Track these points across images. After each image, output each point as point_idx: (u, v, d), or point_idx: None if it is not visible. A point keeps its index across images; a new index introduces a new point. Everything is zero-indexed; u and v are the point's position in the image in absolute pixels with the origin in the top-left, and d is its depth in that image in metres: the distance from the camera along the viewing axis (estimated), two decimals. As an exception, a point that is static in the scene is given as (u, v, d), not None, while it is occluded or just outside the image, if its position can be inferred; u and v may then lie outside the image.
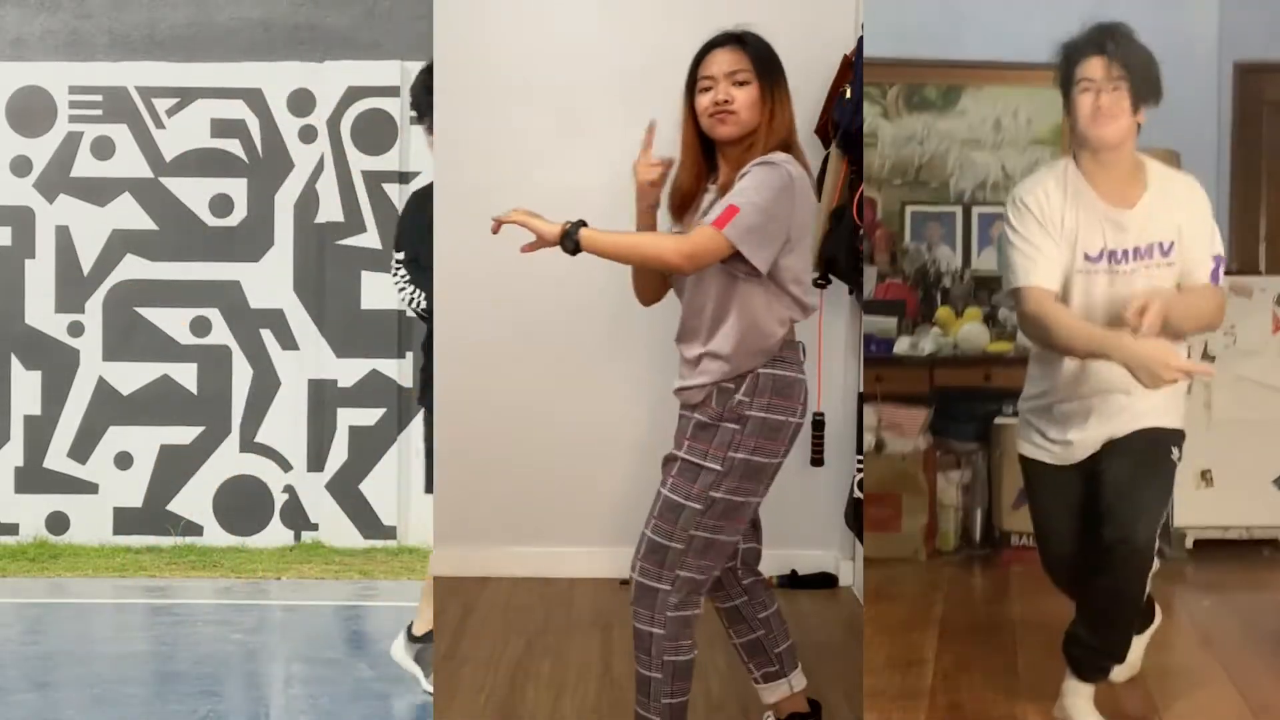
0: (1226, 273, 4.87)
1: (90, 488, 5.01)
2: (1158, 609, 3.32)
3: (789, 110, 2.73)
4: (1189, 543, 4.65)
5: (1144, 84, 2.86)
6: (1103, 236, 2.84)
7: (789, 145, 2.69)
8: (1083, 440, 2.91)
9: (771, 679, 2.96)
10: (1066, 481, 2.94)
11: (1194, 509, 4.63)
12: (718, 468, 2.62)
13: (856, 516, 4.27)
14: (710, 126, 2.67)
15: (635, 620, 2.66)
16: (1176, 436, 2.91)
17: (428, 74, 3.33)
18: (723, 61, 2.66)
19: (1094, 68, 2.86)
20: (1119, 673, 3.17)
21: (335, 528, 5.05)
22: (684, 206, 2.77)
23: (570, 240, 2.60)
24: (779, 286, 2.65)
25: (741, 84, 2.65)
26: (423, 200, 3.47)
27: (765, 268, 2.58)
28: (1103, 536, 2.75)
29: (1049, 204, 2.85)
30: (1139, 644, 3.28)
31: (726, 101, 2.63)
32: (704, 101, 2.66)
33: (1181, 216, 2.87)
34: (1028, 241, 2.84)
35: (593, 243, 2.61)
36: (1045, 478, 2.99)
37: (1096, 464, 2.88)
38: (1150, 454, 2.86)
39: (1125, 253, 2.85)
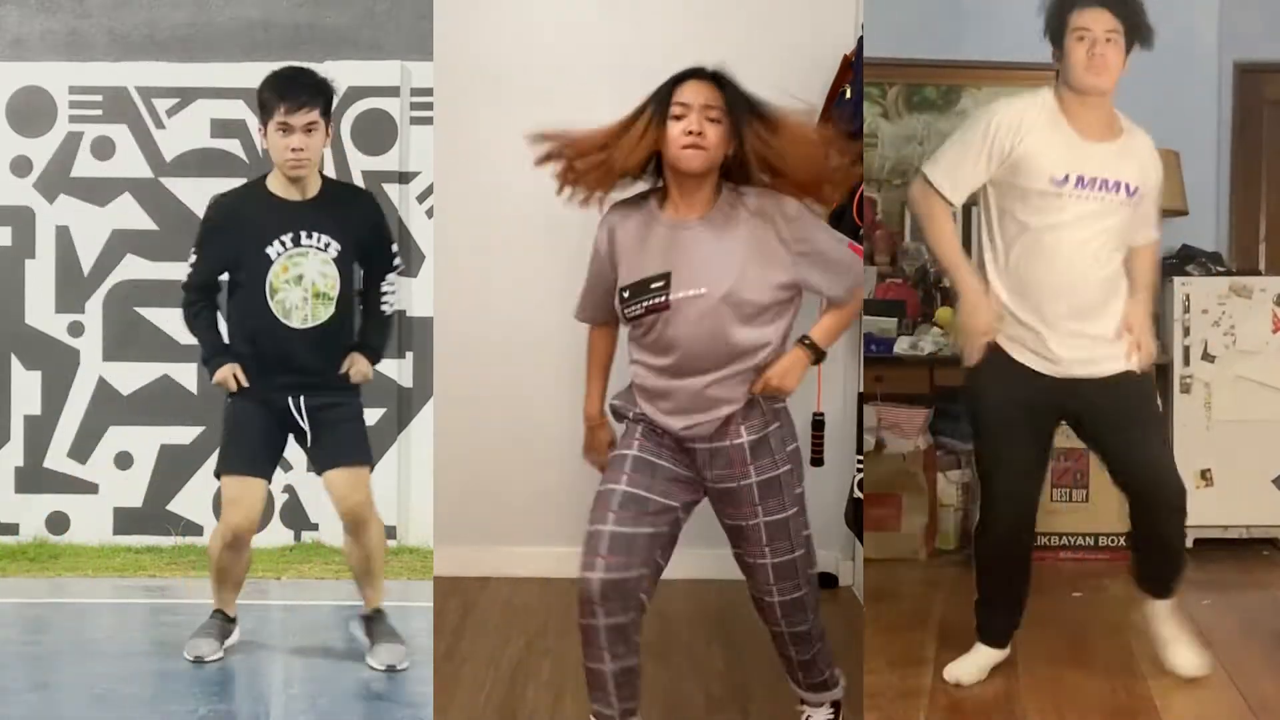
0: (1227, 272, 4.91)
1: (90, 488, 5.01)
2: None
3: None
4: (1189, 542, 4.64)
5: (1136, 33, 2.99)
6: (1070, 164, 2.97)
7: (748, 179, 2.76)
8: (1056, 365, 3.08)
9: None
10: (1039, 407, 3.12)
11: (1194, 509, 4.59)
12: (788, 465, 2.87)
13: (856, 516, 4.27)
14: (679, 157, 2.68)
15: (806, 635, 2.95)
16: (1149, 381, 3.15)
17: (275, 76, 3.34)
18: (697, 92, 2.70)
19: (1092, 19, 2.98)
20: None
21: (335, 528, 4.99)
22: (601, 184, 2.75)
23: (814, 352, 2.90)
24: None
25: (713, 120, 2.68)
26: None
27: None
28: (1141, 497, 3.12)
29: (1010, 127, 2.98)
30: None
31: (700, 134, 2.66)
32: (676, 129, 2.68)
33: (1148, 167, 3.05)
34: (964, 148, 3.02)
35: (828, 336, 2.93)
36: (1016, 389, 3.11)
37: (1073, 404, 3.09)
38: (1149, 399, 3.13)
39: (1092, 180, 2.98)
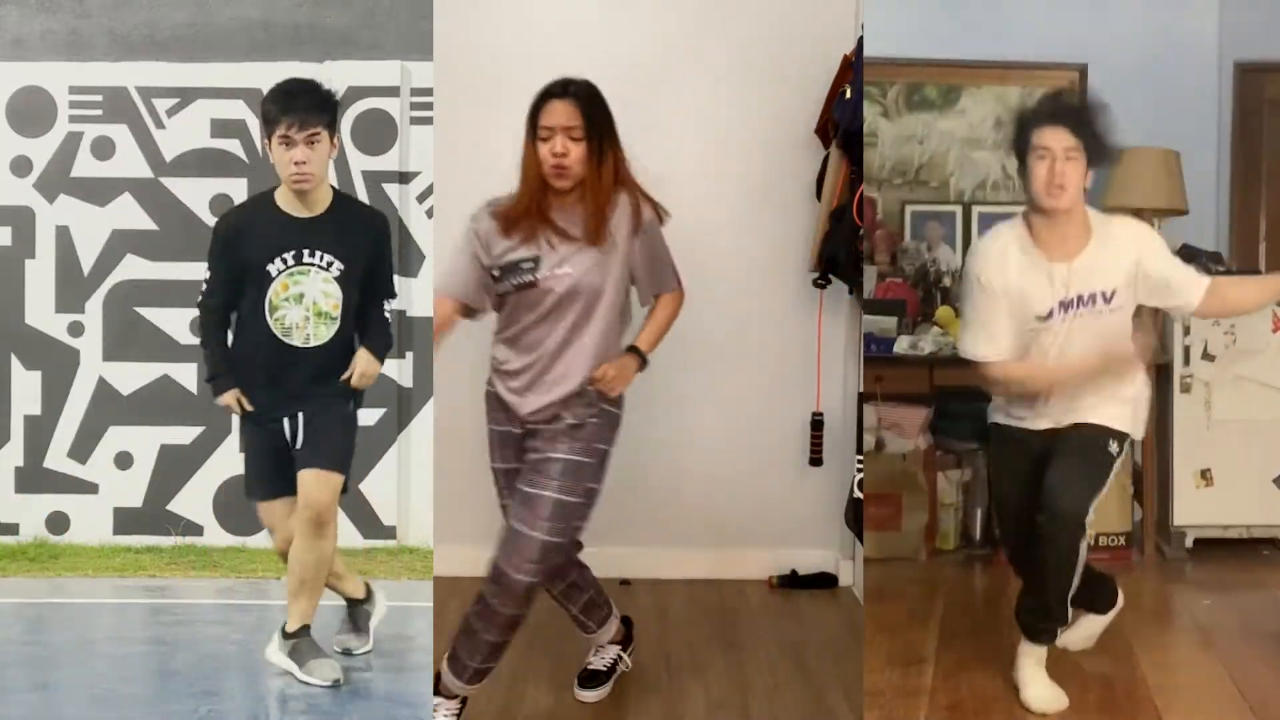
0: (1227, 272, 4.90)
1: (90, 488, 5.02)
2: (1120, 593, 3.53)
3: (616, 158, 3.02)
4: (1189, 542, 4.65)
5: (1097, 153, 3.02)
6: (1050, 293, 3.06)
7: (622, 182, 3.03)
8: (1035, 422, 3.21)
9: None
10: (1024, 454, 3.21)
11: (1194, 509, 4.64)
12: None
13: (856, 516, 4.27)
14: (549, 176, 2.96)
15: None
16: (1117, 434, 3.14)
17: (278, 89, 3.30)
18: (559, 114, 2.94)
19: (1052, 137, 3.01)
20: (1075, 643, 3.51)
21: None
22: (512, 228, 3.03)
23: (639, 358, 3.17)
24: None
25: (575, 140, 2.94)
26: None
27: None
28: (1040, 511, 3.04)
29: (998, 275, 3.07)
30: (1099, 623, 3.53)
31: (564, 155, 2.93)
32: (544, 151, 2.95)
33: (1127, 262, 3.07)
34: (977, 313, 3.11)
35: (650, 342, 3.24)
36: (1008, 446, 3.28)
37: (1046, 449, 3.17)
38: (1088, 444, 3.11)
39: (1070, 302, 3.06)
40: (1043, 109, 3.02)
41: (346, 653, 3.60)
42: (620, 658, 3.52)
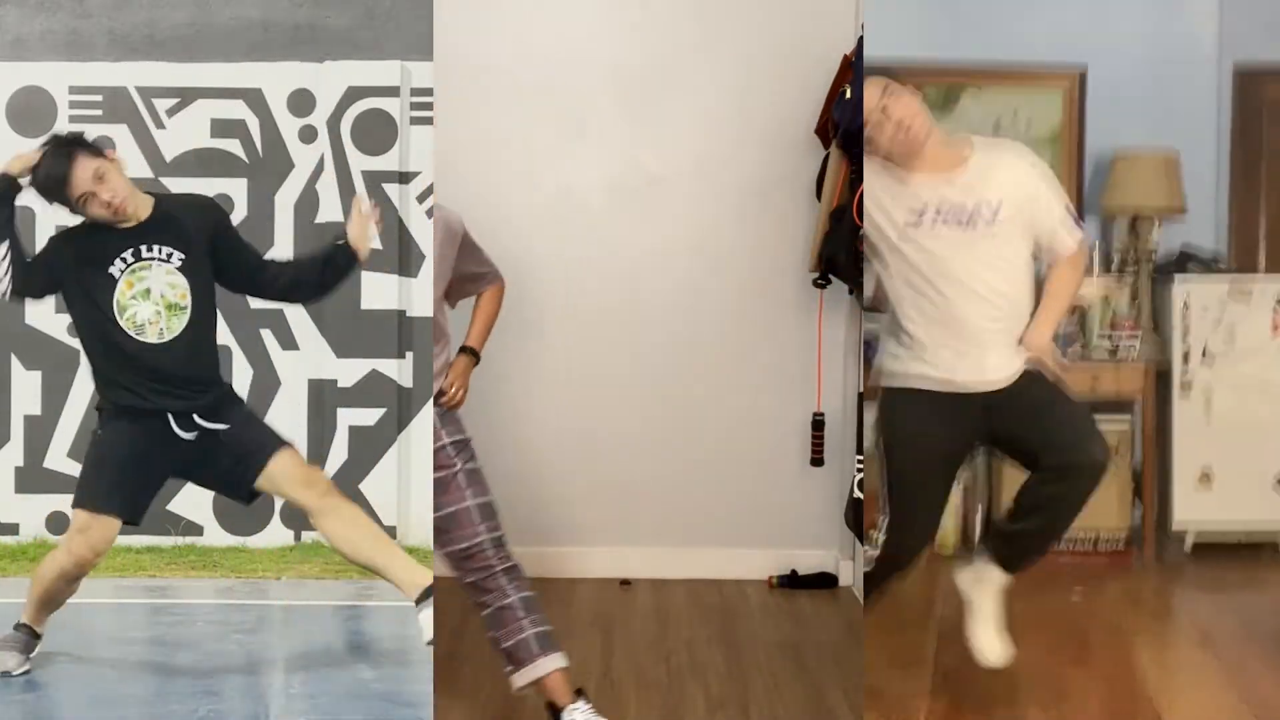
0: (1226, 271, 4.90)
1: (90, 488, 5.01)
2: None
3: None
4: (1189, 543, 4.65)
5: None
6: (920, 199, 3.04)
7: None
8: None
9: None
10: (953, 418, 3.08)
11: (1194, 509, 4.64)
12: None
13: (856, 516, 4.27)
14: None
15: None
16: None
17: (34, 173, 3.22)
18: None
19: (872, 99, 3.07)
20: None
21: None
22: None
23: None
24: None
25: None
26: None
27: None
28: (1065, 456, 2.95)
29: (874, 209, 3.10)
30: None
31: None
32: None
33: (1009, 181, 3.02)
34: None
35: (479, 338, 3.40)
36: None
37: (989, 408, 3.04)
38: (1054, 389, 3.05)
39: (950, 211, 3.01)
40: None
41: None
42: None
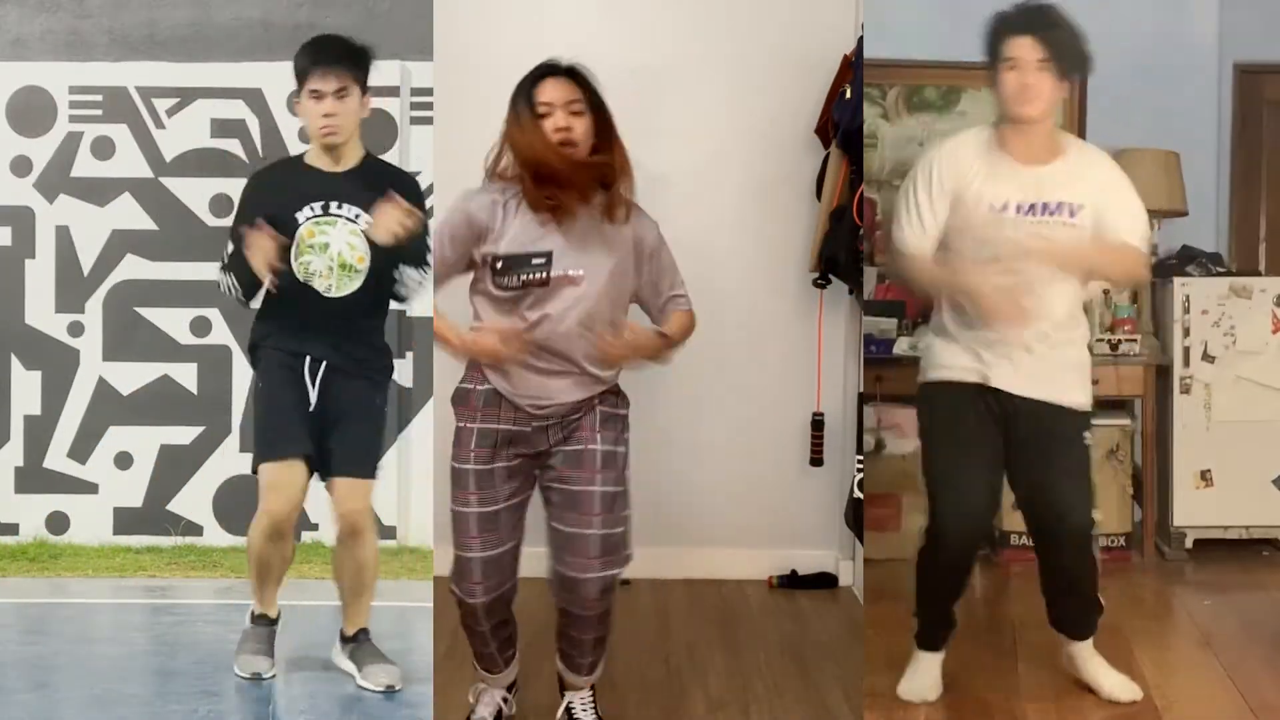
0: (1227, 272, 4.90)
1: (90, 488, 5.01)
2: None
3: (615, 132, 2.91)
4: (1189, 543, 4.65)
5: (1069, 62, 2.98)
6: (1010, 191, 2.99)
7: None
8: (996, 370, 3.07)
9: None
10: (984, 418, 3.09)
11: (1194, 509, 4.64)
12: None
13: (856, 516, 4.27)
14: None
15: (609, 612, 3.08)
16: (1087, 420, 3.11)
17: (308, 44, 3.29)
18: (558, 89, 2.81)
19: (1020, 47, 2.96)
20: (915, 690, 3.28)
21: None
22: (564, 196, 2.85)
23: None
24: None
25: (577, 114, 2.81)
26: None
27: None
28: (1051, 523, 3.05)
29: (951, 170, 3.03)
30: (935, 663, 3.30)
31: (569, 129, 2.79)
32: (546, 126, 2.79)
33: (1094, 186, 3.02)
34: (916, 202, 3.06)
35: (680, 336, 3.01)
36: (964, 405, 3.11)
37: (1007, 416, 3.06)
38: (1069, 440, 3.06)
39: (1032, 206, 2.99)
40: (1014, 19, 2.98)
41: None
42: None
